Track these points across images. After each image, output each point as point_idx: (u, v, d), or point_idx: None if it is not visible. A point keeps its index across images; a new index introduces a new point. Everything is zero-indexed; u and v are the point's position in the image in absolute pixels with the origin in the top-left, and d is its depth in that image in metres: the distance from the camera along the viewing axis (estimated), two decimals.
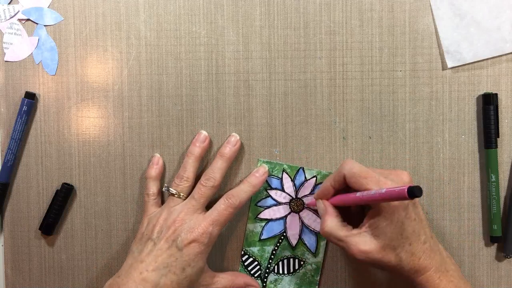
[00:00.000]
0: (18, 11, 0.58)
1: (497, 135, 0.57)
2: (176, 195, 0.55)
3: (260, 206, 0.58)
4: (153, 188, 0.57)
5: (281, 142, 0.58)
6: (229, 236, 0.59)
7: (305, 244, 0.58)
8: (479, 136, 0.58)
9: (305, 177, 0.58)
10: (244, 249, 0.58)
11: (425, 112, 0.58)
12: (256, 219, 0.58)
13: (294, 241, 0.58)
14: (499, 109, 0.57)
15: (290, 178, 0.58)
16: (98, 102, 0.58)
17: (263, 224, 0.58)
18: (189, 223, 0.53)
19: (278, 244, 0.58)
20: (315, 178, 0.58)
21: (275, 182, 0.58)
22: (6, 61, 0.58)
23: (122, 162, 0.59)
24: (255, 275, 0.58)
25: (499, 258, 0.58)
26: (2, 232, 0.59)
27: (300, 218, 0.58)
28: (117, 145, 0.58)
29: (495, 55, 0.57)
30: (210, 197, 0.55)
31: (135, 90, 0.58)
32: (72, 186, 0.58)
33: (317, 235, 0.58)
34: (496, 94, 0.57)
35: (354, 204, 0.51)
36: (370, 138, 0.58)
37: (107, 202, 0.59)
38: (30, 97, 0.57)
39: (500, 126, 0.57)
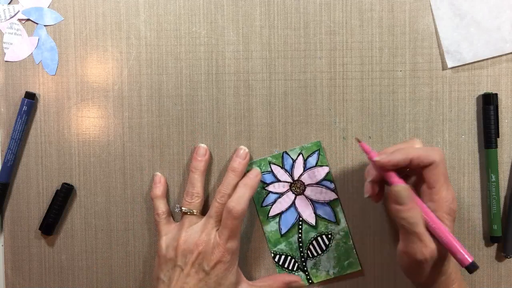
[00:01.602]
0: (18, 11, 0.58)
1: (497, 135, 0.57)
2: (189, 213, 0.55)
3: (266, 206, 0.58)
4: (161, 206, 0.57)
5: (281, 142, 0.58)
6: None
7: (324, 218, 0.58)
8: (479, 136, 0.58)
9: (292, 158, 0.58)
10: (272, 251, 0.58)
11: (425, 112, 0.58)
12: (269, 218, 0.58)
13: (312, 221, 0.58)
14: (499, 109, 0.57)
15: (279, 166, 0.58)
16: (98, 102, 0.58)
17: (277, 220, 0.58)
18: (209, 244, 0.53)
19: (300, 231, 0.58)
20: (301, 155, 0.58)
21: (268, 177, 0.58)
22: (6, 61, 0.58)
23: (122, 162, 0.59)
24: (294, 269, 0.58)
25: (499, 258, 0.58)
26: (2, 232, 0.59)
27: (307, 197, 0.58)
28: (117, 145, 0.58)
29: (495, 55, 0.57)
30: None
31: (135, 90, 0.58)
32: (72, 186, 0.58)
33: (330, 205, 0.58)
34: (496, 94, 0.57)
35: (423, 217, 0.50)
36: (370, 138, 0.58)
37: (107, 202, 0.59)
38: (30, 97, 0.57)
39: (500, 126, 0.57)
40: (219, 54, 0.58)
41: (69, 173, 0.59)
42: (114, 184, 0.59)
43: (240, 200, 0.54)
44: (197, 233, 0.54)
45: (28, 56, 0.58)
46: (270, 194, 0.58)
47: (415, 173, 0.52)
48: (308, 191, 0.58)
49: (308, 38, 0.58)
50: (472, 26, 0.57)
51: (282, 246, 0.58)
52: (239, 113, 0.58)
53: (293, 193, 0.58)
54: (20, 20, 0.58)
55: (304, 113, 0.58)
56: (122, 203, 0.59)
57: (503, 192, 0.58)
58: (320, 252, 0.58)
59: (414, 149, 0.50)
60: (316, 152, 0.58)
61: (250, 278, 0.58)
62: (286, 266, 0.58)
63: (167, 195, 0.58)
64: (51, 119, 0.58)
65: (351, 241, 0.58)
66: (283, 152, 0.58)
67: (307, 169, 0.58)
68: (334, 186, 0.58)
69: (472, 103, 0.58)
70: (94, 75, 0.58)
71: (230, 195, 0.54)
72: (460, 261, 0.48)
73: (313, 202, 0.58)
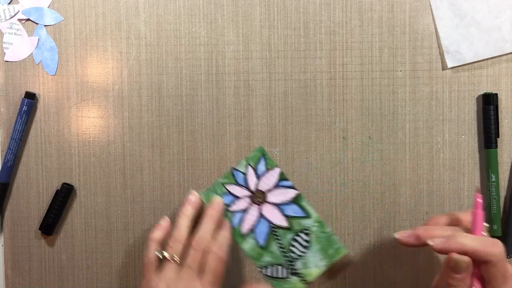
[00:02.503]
0: (18, 11, 0.58)
1: (497, 135, 0.57)
2: (170, 259, 0.52)
3: (236, 226, 0.58)
4: (154, 252, 0.54)
5: (281, 142, 0.58)
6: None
7: (294, 216, 0.58)
8: (479, 136, 0.58)
9: (242, 172, 0.58)
10: (259, 266, 0.58)
11: (425, 112, 0.58)
12: (243, 236, 0.58)
13: (285, 223, 0.58)
14: (499, 109, 0.57)
15: (234, 183, 0.58)
16: (98, 102, 0.58)
17: (251, 235, 0.58)
18: None
19: (277, 237, 0.58)
20: (249, 166, 0.58)
21: (227, 199, 0.58)
22: (6, 61, 0.58)
23: (122, 162, 0.59)
24: (286, 276, 0.58)
25: None
26: (2, 232, 0.59)
27: (270, 203, 0.58)
28: (117, 145, 0.58)
29: (495, 55, 0.57)
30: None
31: (135, 90, 0.58)
32: (72, 186, 0.58)
33: (295, 202, 0.58)
34: (496, 94, 0.57)
35: None
36: (370, 138, 0.58)
37: (107, 202, 0.59)
38: (30, 97, 0.57)
39: (500, 126, 0.57)
40: (219, 54, 0.58)
41: (69, 173, 0.59)
42: (114, 184, 0.59)
43: (222, 244, 0.54)
44: (180, 282, 0.51)
45: (28, 56, 0.58)
46: (235, 214, 0.58)
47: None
48: (270, 197, 0.58)
49: (308, 38, 0.58)
50: (472, 26, 0.57)
51: (266, 258, 0.58)
52: (239, 113, 0.58)
53: (256, 204, 0.58)
54: (20, 20, 0.58)
55: (304, 113, 0.58)
56: (122, 203, 0.59)
57: (503, 192, 0.58)
58: (304, 250, 0.58)
59: (471, 239, 0.46)
60: (262, 158, 0.58)
61: None
62: (275, 276, 0.58)
63: (167, 194, 0.58)
64: (51, 119, 0.58)
65: (328, 228, 0.58)
66: (232, 169, 0.58)
67: (260, 177, 0.58)
68: (291, 183, 0.58)
69: (472, 103, 0.58)
70: (94, 75, 0.58)
71: (186, 239, 0.53)
72: None
73: (278, 206, 0.58)
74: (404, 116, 0.58)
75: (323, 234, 0.58)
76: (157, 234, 0.54)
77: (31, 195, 0.59)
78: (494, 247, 0.45)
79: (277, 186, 0.58)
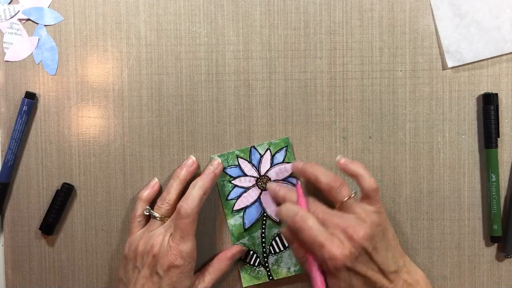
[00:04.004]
0: (18, 11, 0.58)
1: (498, 135, 0.57)
2: (158, 218, 0.55)
3: (231, 200, 0.58)
4: (140, 209, 0.56)
5: None
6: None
7: None
8: (479, 136, 0.58)
9: (260, 153, 0.58)
10: (234, 245, 0.58)
11: (425, 112, 0.58)
12: (233, 212, 0.58)
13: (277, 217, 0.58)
14: (499, 109, 0.57)
15: (247, 160, 0.58)
16: (98, 102, 0.58)
17: (241, 214, 0.58)
18: (163, 247, 0.52)
19: (263, 226, 0.58)
20: (268, 150, 0.58)
21: (235, 171, 0.58)
22: (6, 61, 0.58)
23: (122, 162, 0.59)
24: (256, 264, 0.58)
25: (499, 258, 0.58)
26: (2, 232, 0.59)
27: None
28: (117, 145, 0.58)
29: (495, 55, 0.57)
30: None
31: (135, 90, 0.58)
32: (72, 186, 0.58)
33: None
34: (497, 94, 0.57)
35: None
36: (370, 138, 0.58)
37: (107, 202, 0.59)
38: (30, 97, 0.57)
39: (500, 126, 0.57)
40: (219, 54, 0.58)
41: (69, 173, 0.59)
42: (114, 184, 0.59)
43: (188, 200, 0.53)
44: (156, 235, 0.53)
45: (28, 56, 0.58)
46: (236, 188, 0.58)
47: None
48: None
49: (308, 38, 0.58)
50: (472, 26, 0.57)
51: (245, 241, 0.58)
52: (239, 113, 0.58)
53: (259, 188, 0.58)
54: (20, 20, 0.58)
55: (304, 113, 0.58)
56: (122, 203, 0.59)
57: (503, 192, 0.58)
58: (282, 249, 0.58)
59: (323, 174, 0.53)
60: (284, 149, 0.58)
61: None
62: (247, 260, 0.58)
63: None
64: (51, 119, 0.58)
65: None
66: (251, 147, 0.58)
67: (274, 165, 0.58)
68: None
69: (472, 103, 0.58)
70: (94, 75, 0.58)
71: (174, 200, 0.55)
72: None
73: None
74: (404, 116, 0.58)
75: None
76: (145, 193, 0.57)
77: (31, 195, 0.59)
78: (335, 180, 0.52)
79: (285, 180, 0.58)
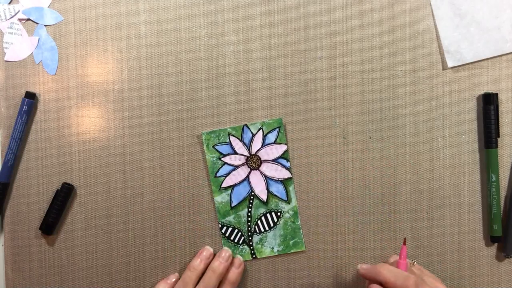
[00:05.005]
0: (19, 10, 0.58)
1: (498, 134, 0.57)
2: None
3: (219, 176, 0.58)
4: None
5: None
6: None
7: (275, 195, 0.58)
8: (479, 136, 0.58)
9: (252, 132, 0.58)
10: (220, 222, 0.59)
11: (425, 112, 0.58)
12: (221, 189, 0.58)
13: (264, 197, 0.58)
14: (499, 109, 0.57)
15: (238, 139, 0.58)
16: (98, 102, 0.58)
17: (229, 192, 0.58)
18: None
19: (250, 205, 0.58)
20: (261, 130, 0.58)
21: (225, 148, 0.58)
22: (6, 61, 0.58)
23: (122, 162, 0.59)
24: (240, 242, 0.58)
25: (499, 258, 0.58)
26: (2, 232, 0.59)
27: (261, 173, 0.58)
28: (117, 145, 0.58)
29: (495, 55, 0.57)
30: None
31: (135, 90, 0.58)
32: (72, 186, 0.58)
33: (284, 183, 0.58)
34: (497, 94, 0.57)
35: None
36: (370, 138, 0.58)
37: (107, 202, 0.59)
38: (30, 97, 0.57)
39: (500, 126, 0.57)
40: (219, 54, 0.58)
41: (69, 173, 0.59)
42: (114, 184, 0.59)
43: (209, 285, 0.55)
44: None
45: (28, 56, 0.58)
46: (225, 166, 0.58)
47: None
48: (264, 167, 0.58)
49: (308, 38, 0.58)
50: (472, 26, 0.57)
51: (230, 218, 0.58)
52: (239, 113, 0.58)
53: (248, 167, 0.58)
54: (20, 20, 0.58)
55: (304, 113, 0.58)
56: (122, 203, 0.59)
57: (503, 192, 0.58)
58: (267, 228, 0.59)
59: (387, 270, 0.50)
60: (277, 129, 0.58)
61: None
62: (232, 238, 0.59)
63: (167, 194, 0.58)
64: (51, 119, 0.58)
65: (299, 221, 0.58)
66: (244, 125, 0.58)
67: (265, 145, 0.58)
68: (289, 165, 0.58)
69: (472, 103, 0.58)
70: (94, 75, 0.58)
71: None
72: None
73: (267, 179, 0.58)
74: (404, 116, 0.58)
75: (292, 224, 0.58)
76: (201, 266, 0.57)
77: (31, 195, 0.59)
78: (406, 281, 0.48)
79: (275, 160, 0.58)
